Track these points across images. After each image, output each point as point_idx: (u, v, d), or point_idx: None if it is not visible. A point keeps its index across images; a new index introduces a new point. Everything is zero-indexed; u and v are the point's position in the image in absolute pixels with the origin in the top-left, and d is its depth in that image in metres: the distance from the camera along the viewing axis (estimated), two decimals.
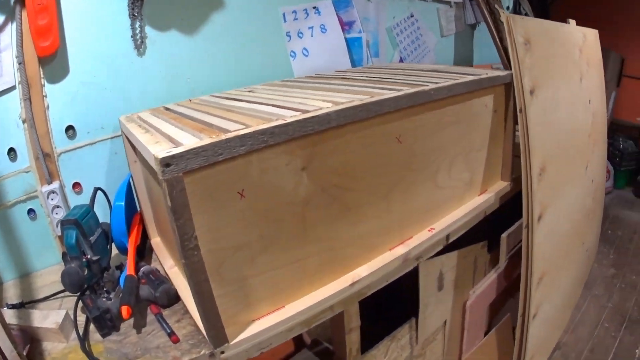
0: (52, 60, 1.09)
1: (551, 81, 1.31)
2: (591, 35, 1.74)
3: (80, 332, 0.82)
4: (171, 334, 0.80)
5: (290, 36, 1.53)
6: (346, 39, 1.66)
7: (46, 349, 0.81)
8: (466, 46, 2.34)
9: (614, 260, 2.32)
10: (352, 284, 0.87)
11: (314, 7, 1.56)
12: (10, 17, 1.04)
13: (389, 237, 0.96)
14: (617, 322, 1.85)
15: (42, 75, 1.09)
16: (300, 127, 0.71)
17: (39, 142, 1.12)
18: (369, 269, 0.90)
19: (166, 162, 0.60)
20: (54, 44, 1.07)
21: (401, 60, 1.96)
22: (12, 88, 1.07)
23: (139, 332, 0.83)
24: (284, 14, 1.51)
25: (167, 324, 0.84)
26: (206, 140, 0.65)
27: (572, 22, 1.63)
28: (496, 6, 1.71)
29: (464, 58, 2.34)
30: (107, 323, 0.82)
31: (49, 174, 1.15)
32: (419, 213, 1.02)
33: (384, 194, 0.91)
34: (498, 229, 1.37)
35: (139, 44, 1.18)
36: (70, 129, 1.15)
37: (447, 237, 1.10)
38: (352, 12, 1.67)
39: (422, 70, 1.29)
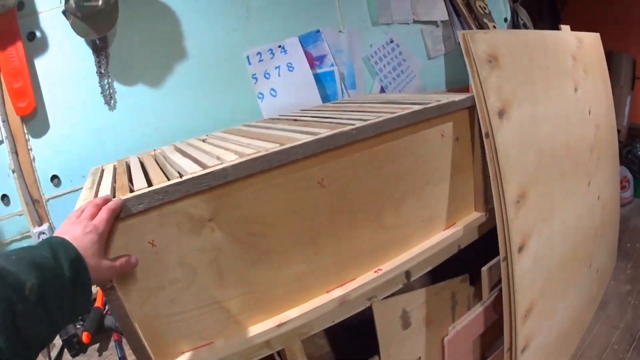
0: (32, 118, 1.22)
1: (530, 97, 1.22)
2: (589, 40, 1.60)
3: (56, 353, 1.03)
4: (122, 358, 0.98)
5: (256, 78, 1.54)
6: (317, 74, 1.63)
7: None
8: (458, 66, 2.17)
9: (631, 275, 2.08)
10: (279, 325, 0.86)
11: (280, 46, 1.56)
12: None
13: (324, 280, 0.93)
14: (627, 342, 1.67)
15: (25, 131, 1.22)
16: (195, 185, 0.74)
17: (28, 190, 1.25)
18: (300, 311, 0.89)
19: None
20: (30, 105, 1.19)
21: (382, 90, 1.88)
22: (0, 142, 1.21)
23: (100, 355, 1.04)
24: (248, 57, 1.52)
25: (122, 349, 1.01)
26: None
27: (566, 27, 1.53)
28: (485, 20, 1.63)
29: (456, 79, 2.19)
30: (74, 345, 1.00)
31: (39, 217, 1.27)
32: (361, 255, 0.98)
33: (310, 239, 0.89)
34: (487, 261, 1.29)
35: (109, 99, 1.28)
36: (55, 177, 1.27)
37: (408, 274, 1.05)
38: (322, 46, 1.64)
39: (377, 103, 1.25)
